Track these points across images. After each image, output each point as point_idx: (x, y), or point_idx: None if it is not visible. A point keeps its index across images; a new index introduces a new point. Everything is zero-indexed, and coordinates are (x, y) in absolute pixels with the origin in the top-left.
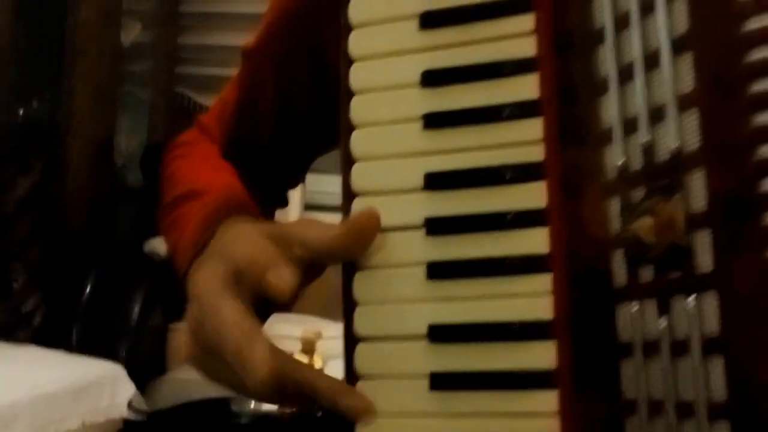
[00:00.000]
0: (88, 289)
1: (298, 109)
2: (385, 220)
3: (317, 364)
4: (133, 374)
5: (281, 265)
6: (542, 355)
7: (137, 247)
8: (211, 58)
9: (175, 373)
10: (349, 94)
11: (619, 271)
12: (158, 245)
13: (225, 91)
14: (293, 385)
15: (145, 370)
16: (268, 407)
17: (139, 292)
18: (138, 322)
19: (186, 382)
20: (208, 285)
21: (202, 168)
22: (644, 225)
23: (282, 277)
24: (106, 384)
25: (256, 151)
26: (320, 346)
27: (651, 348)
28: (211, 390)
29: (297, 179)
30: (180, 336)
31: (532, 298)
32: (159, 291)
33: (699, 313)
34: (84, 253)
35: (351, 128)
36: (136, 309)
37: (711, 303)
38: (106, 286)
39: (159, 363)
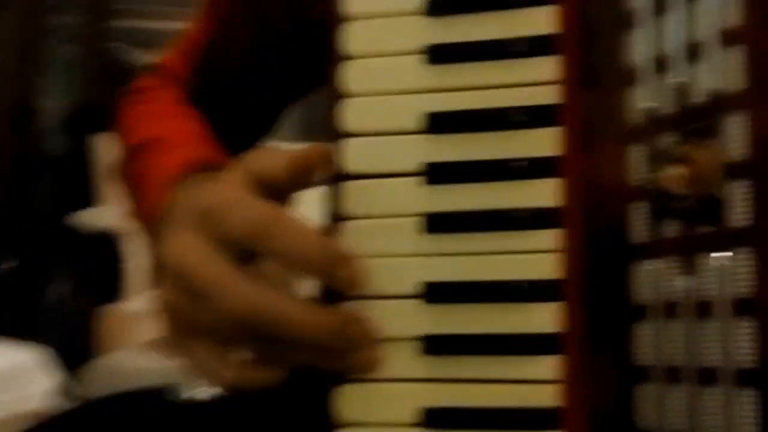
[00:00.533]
0: (6, 268)
1: (274, 44)
2: (379, 165)
3: None
4: (59, 361)
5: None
6: (548, 318)
7: (61, 222)
8: (147, 11)
9: (106, 359)
10: (343, 20)
11: (639, 227)
12: (86, 218)
13: (190, 27)
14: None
15: (72, 357)
16: (203, 396)
17: (64, 271)
18: (63, 304)
19: (117, 369)
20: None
21: (164, 115)
22: (674, 174)
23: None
24: (28, 371)
25: (227, 94)
26: None
27: (671, 310)
28: (145, 378)
29: (269, 127)
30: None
31: (540, 256)
32: (87, 270)
33: (730, 271)
34: (1, 228)
35: (344, 59)
36: (61, 290)
37: (744, 261)
38: (27, 265)
39: (87, 349)
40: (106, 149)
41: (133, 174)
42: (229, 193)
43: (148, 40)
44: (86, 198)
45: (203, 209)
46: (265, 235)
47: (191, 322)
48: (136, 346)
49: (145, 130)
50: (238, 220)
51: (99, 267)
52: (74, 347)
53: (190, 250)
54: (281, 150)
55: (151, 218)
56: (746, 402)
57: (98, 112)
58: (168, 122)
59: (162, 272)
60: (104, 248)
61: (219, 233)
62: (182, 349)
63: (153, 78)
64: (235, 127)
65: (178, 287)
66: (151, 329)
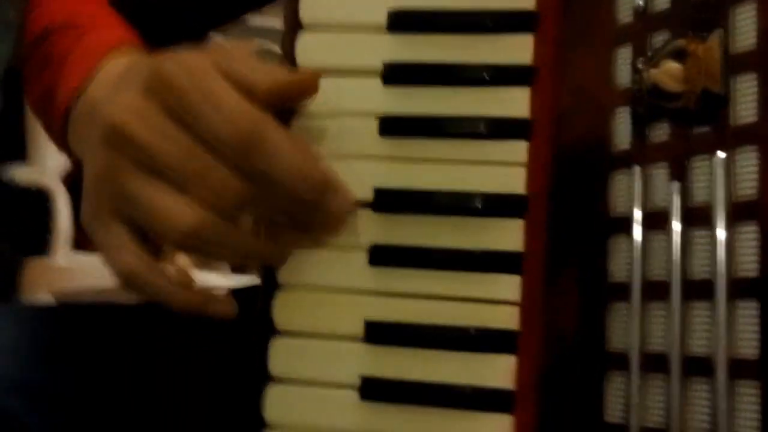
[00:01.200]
0: None
1: None
2: (336, 60)
3: None
4: None
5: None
6: (508, 235)
7: None
8: None
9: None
10: None
11: (623, 134)
12: (18, 173)
13: None
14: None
15: None
16: None
17: None
18: None
19: None
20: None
21: (82, 1)
22: (668, 70)
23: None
24: None
25: (152, 9)
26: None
27: (654, 220)
28: None
29: (203, 35)
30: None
31: (504, 168)
32: (15, 222)
33: (730, 171)
34: None
35: None
36: None
37: (746, 161)
38: None
39: (8, 299)
40: None
41: (47, 53)
42: (210, 81)
43: None
44: (19, 154)
45: (171, 86)
46: (253, 147)
47: (121, 198)
48: (53, 294)
49: (62, 14)
50: (220, 120)
51: (27, 220)
52: None
53: (148, 115)
54: (254, 56)
55: (67, 98)
56: (745, 314)
57: None
58: (90, 8)
59: (98, 138)
60: (33, 203)
61: (196, 126)
62: (98, 231)
63: None
64: (167, 31)
65: (123, 155)
66: (72, 283)
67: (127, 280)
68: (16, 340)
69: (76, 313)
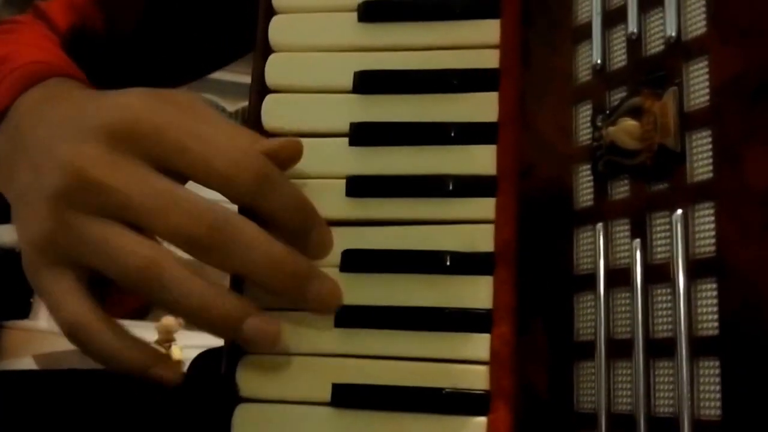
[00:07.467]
0: None
1: (169, 15)
2: (302, 122)
3: (176, 355)
4: None
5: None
6: (477, 293)
7: None
8: None
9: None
10: None
11: (585, 190)
12: None
13: None
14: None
15: None
16: None
17: None
18: None
19: None
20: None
21: (26, 43)
22: (625, 127)
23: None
24: None
25: (114, 48)
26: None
27: (617, 278)
28: None
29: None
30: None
31: (473, 226)
32: None
33: (688, 228)
34: None
35: (270, 12)
36: None
37: (704, 217)
38: None
39: None
40: None
41: None
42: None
43: None
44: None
45: (124, 123)
46: (218, 243)
47: (76, 243)
48: (35, 358)
49: None
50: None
51: (7, 282)
52: None
53: (111, 163)
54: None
55: None
56: (708, 373)
57: None
58: (30, 49)
59: (52, 187)
60: (14, 264)
61: (156, 155)
62: (44, 279)
63: (29, 16)
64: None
65: (79, 201)
66: (55, 346)
67: (71, 329)
68: None
69: (48, 380)
